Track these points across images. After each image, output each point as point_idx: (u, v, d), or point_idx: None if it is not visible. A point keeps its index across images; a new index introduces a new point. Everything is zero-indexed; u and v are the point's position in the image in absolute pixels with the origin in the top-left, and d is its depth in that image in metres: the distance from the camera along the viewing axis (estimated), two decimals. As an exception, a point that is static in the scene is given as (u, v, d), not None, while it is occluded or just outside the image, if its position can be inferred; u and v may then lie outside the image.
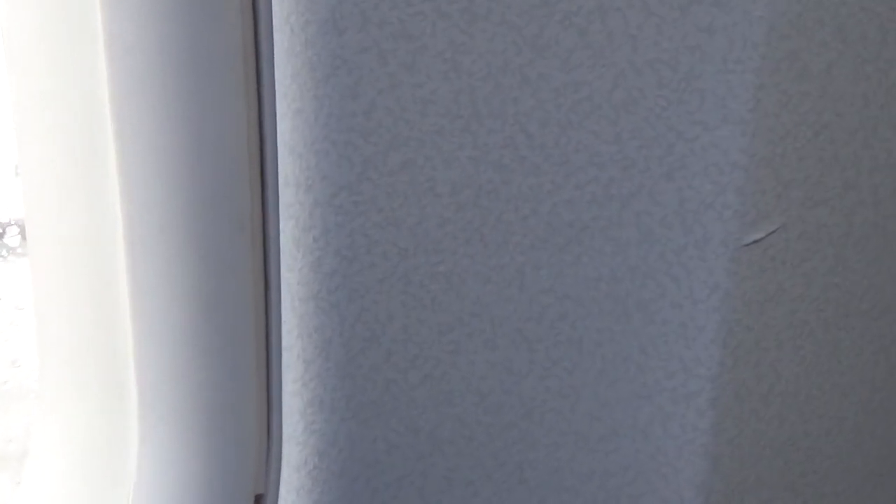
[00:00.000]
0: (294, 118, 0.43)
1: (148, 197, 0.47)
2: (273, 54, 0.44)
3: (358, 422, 0.48)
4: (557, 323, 0.47)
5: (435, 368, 0.48)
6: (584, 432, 0.49)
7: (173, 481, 0.51)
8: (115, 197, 0.48)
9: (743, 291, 0.46)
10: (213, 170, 0.46)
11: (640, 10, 0.42)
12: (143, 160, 0.46)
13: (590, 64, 0.43)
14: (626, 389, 0.48)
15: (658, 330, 0.47)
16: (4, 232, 0.74)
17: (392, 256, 0.45)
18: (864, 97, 0.45)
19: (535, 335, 0.48)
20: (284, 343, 0.48)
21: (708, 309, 0.46)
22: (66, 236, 0.51)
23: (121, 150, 0.46)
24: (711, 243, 0.45)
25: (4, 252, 0.75)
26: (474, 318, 0.47)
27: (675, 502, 0.49)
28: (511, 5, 0.42)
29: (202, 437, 0.51)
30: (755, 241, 0.46)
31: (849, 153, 0.46)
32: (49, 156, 0.49)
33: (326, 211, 0.44)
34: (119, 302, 0.50)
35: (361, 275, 0.45)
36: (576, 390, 0.48)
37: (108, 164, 0.48)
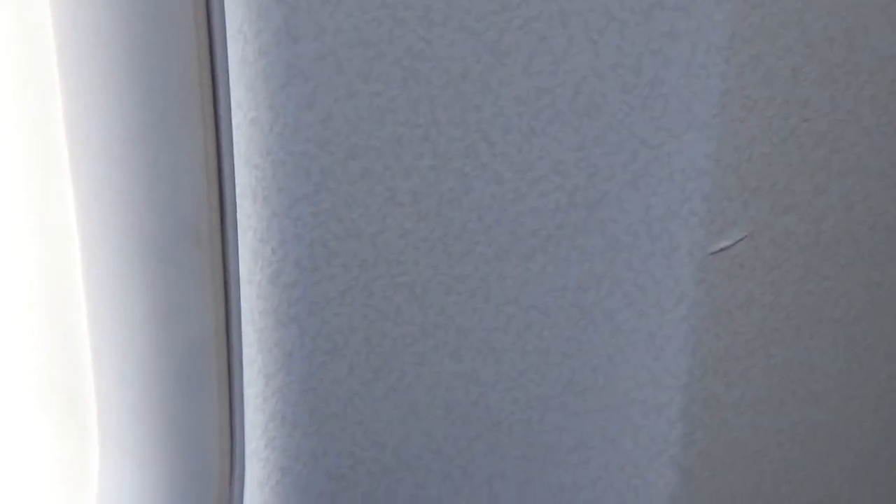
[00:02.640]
0: (249, 128, 0.42)
1: (104, 213, 0.46)
2: (227, 64, 0.43)
3: (321, 436, 0.47)
4: (524, 333, 0.47)
5: (399, 381, 0.47)
6: (553, 444, 0.48)
7: (137, 499, 0.50)
8: (71, 216, 0.47)
9: (711, 300, 0.45)
10: (170, 183, 0.45)
11: (602, 14, 0.42)
12: (98, 176, 0.45)
13: (551, 70, 0.42)
14: (594, 400, 0.47)
15: (626, 339, 0.46)
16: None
17: (353, 267, 0.44)
18: (831, 101, 0.44)
19: (502, 346, 0.47)
20: (245, 358, 0.47)
21: (676, 318, 0.45)
22: (23, 251, 0.50)
23: (75, 167, 0.45)
24: (678, 251, 0.44)
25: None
26: (439, 330, 0.46)
27: (646, 514, 0.49)
28: (470, 11, 0.41)
29: (165, 454, 0.50)
30: (723, 249, 0.45)
31: (817, 158, 0.45)
32: (1, 175, 0.48)
33: (284, 222, 0.43)
34: (78, 323, 0.49)
35: (321, 286, 0.44)
36: (543, 401, 0.48)
37: (63, 182, 0.47)
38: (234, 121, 0.43)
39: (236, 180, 0.44)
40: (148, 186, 0.45)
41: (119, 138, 0.45)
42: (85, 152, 0.45)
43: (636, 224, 0.45)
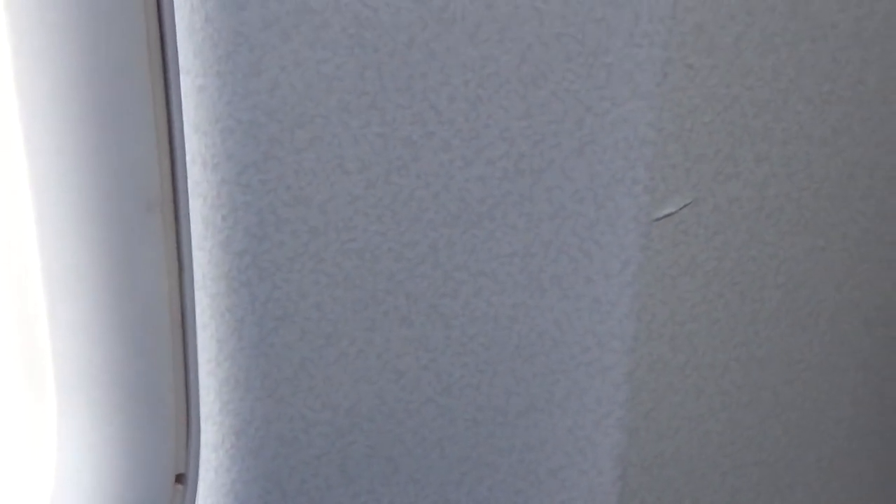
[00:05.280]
0: (198, 95, 0.43)
1: (57, 181, 0.46)
2: (175, 31, 0.43)
3: (274, 400, 0.48)
4: (472, 299, 0.47)
5: (350, 346, 0.47)
6: (502, 407, 0.49)
7: (94, 461, 0.51)
8: (25, 184, 0.47)
9: (656, 265, 0.46)
10: (122, 150, 0.45)
11: (546, -17, 0.42)
12: (50, 143, 0.45)
13: (497, 38, 0.43)
14: (542, 364, 0.48)
15: (572, 305, 0.47)
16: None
17: (302, 234, 0.45)
18: (773, 70, 0.45)
19: (451, 311, 0.47)
20: (198, 323, 0.47)
21: (621, 283, 0.46)
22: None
23: (27, 136, 0.46)
24: (623, 218, 0.45)
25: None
26: (389, 295, 0.47)
27: (593, 475, 0.50)
28: (416, -20, 0.42)
29: (121, 418, 0.50)
30: (667, 216, 0.46)
31: (760, 126, 0.46)
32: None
33: (234, 189, 0.44)
34: (35, 288, 0.50)
35: (271, 253, 0.45)
36: (492, 366, 0.48)
37: (16, 152, 0.47)
38: (183, 88, 0.43)
39: (186, 147, 0.44)
40: (99, 152, 0.46)
41: (70, 105, 0.45)
42: (37, 120, 0.45)
43: (581, 191, 0.45)
